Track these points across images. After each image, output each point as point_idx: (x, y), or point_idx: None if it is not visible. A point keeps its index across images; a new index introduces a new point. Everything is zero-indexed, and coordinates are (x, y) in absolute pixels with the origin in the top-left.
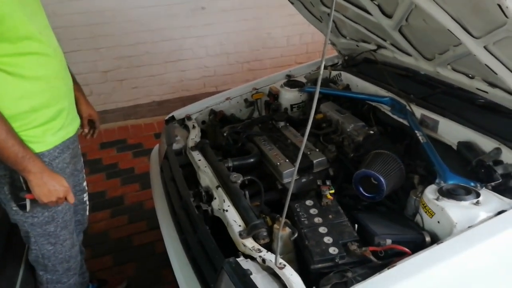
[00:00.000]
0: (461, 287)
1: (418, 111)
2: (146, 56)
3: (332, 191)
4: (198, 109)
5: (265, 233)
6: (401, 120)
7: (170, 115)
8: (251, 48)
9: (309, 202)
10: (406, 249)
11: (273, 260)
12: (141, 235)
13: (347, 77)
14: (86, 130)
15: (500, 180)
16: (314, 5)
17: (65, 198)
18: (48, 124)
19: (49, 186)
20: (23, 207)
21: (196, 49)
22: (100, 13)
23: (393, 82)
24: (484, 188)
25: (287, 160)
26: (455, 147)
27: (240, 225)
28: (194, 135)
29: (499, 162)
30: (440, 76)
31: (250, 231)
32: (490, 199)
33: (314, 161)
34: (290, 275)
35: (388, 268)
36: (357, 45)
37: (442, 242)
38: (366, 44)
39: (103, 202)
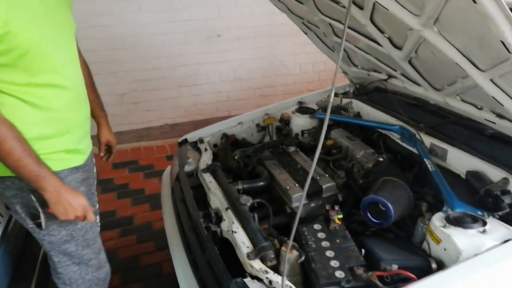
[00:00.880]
0: None
1: (428, 140)
2: (162, 80)
3: (340, 216)
4: (210, 132)
5: (272, 255)
6: (410, 148)
7: (184, 137)
8: (264, 74)
9: (317, 226)
10: (412, 275)
11: (280, 282)
12: (149, 255)
13: (358, 105)
14: (101, 154)
15: (508, 210)
16: (326, 36)
17: (85, 217)
18: (57, 153)
19: (65, 204)
20: (39, 225)
21: (211, 74)
22: (120, 39)
23: (403, 111)
24: (491, 217)
25: (297, 185)
26: (463, 176)
27: (248, 247)
28: (206, 158)
29: (507, 192)
30: (449, 106)
31: (257, 253)
32: (496, 228)
33: (324, 186)
34: None
35: None
36: (368, 74)
37: (447, 269)
38: (377, 74)
39: (112, 221)
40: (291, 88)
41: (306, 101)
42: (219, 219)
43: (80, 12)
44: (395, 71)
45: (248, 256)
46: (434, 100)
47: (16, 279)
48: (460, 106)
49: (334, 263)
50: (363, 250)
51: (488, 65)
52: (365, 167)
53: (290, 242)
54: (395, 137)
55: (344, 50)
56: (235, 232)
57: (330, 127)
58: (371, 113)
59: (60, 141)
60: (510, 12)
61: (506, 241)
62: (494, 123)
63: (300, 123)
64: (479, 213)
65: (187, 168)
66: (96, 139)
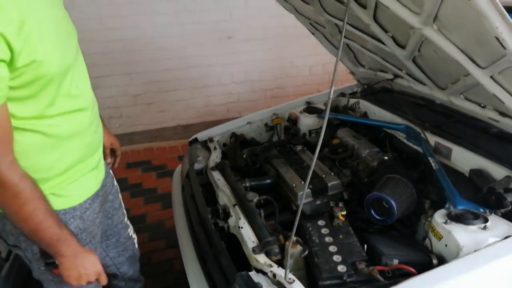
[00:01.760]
0: None
1: (433, 139)
2: (174, 81)
3: (344, 213)
4: (220, 132)
5: (277, 250)
6: (415, 147)
7: (194, 137)
8: (274, 76)
9: (321, 222)
10: (413, 270)
11: (283, 275)
12: (160, 252)
13: (365, 105)
14: (108, 160)
15: (510, 207)
16: (333, 36)
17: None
18: (81, 179)
19: (81, 270)
20: (51, 265)
21: (222, 76)
22: (134, 41)
23: (409, 110)
24: (493, 214)
25: (303, 182)
26: (467, 174)
27: (254, 242)
28: (215, 156)
29: (509, 190)
30: (454, 105)
31: (263, 247)
32: (498, 225)
33: (329, 184)
34: None
35: (392, 287)
36: (375, 74)
37: (447, 264)
38: (383, 74)
39: None
40: (301, 89)
41: (314, 101)
42: (227, 215)
43: (94, 15)
44: (401, 70)
45: (253, 250)
46: (439, 99)
47: None
48: (464, 105)
49: (336, 258)
50: (365, 246)
51: (487, 62)
52: (370, 166)
53: (292, 236)
54: (401, 136)
55: (351, 50)
56: (242, 227)
57: (337, 127)
58: (377, 113)
59: (86, 165)
60: (502, 8)
61: (507, 237)
62: (498, 121)
63: (308, 122)
64: (481, 210)
65: (197, 166)
66: None
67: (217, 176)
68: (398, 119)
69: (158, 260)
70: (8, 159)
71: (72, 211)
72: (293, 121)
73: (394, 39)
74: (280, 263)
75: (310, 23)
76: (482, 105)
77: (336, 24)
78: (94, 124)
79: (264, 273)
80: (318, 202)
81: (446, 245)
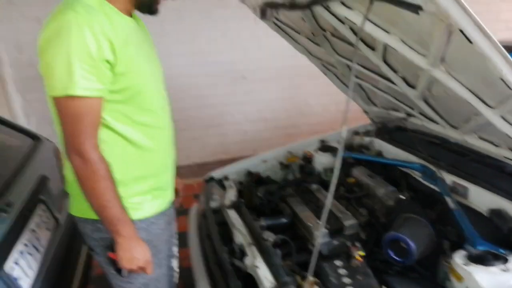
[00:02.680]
0: None
1: (449, 178)
2: (189, 120)
3: (362, 253)
4: (235, 170)
5: None
6: (432, 186)
7: (210, 175)
8: (288, 114)
9: (338, 263)
10: None
11: None
12: None
13: (380, 144)
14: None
15: None
16: (344, 76)
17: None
18: (149, 193)
19: (134, 253)
20: (119, 272)
21: (236, 114)
22: None
23: (423, 149)
24: None
25: (319, 222)
26: (485, 214)
27: (270, 282)
28: (231, 195)
29: None
30: (468, 144)
31: (280, 287)
32: None
33: (346, 224)
34: None
35: None
36: (388, 113)
37: None
38: (396, 113)
39: None
40: (315, 127)
41: (328, 139)
42: (243, 254)
43: None
44: (413, 109)
45: None
46: (453, 138)
47: None
48: (478, 144)
49: None
50: None
51: (496, 102)
52: (387, 205)
53: (309, 277)
54: (417, 175)
55: (363, 89)
56: (258, 267)
57: (352, 166)
58: (392, 152)
59: (155, 181)
60: (504, 50)
61: None
62: None
63: (323, 161)
64: (502, 251)
65: (213, 204)
66: None
67: (233, 214)
68: (413, 158)
69: None
70: (92, 141)
71: (138, 223)
72: (308, 159)
73: (404, 79)
74: None
75: (322, 64)
76: (496, 144)
77: (347, 65)
78: (171, 146)
79: None
80: (335, 242)
81: (467, 287)
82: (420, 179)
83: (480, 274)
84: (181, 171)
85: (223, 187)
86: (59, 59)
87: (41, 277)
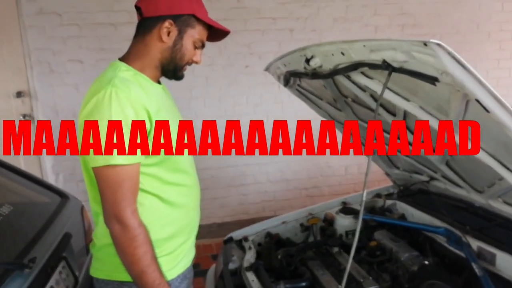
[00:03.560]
0: None
1: (475, 243)
2: (211, 180)
3: None
4: (255, 231)
5: None
6: (457, 251)
7: (229, 235)
8: (309, 175)
9: None
10: None
11: None
12: None
13: (402, 207)
14: None
15: None
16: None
17: None
18: (176, 252)
19: None
20: None
21: (258, 175)
22: None
23: (448, 213)
24: None
25: (340, 286)
26: None
27: None
28: (250, 256)
29: None
30: (493, 208)
31: None
32: None
33: None
34: None
35: None
36: (410, 176)
37: None
38: (419, 176)
39: None
40: (337, 189)
41: (350, 201)
42: None
43: None
44: (436, 173)
45: None
46: (478, 202)
47: None
48: (503, 208)
49: None
50: None
51: None
52: (410, 270)
53: None
54: (441, 239)
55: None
56: None
57: (374, 228)
58: (415, 215)
59: (183, 239)
60: None
61: None
62: None
63: (344, 223)
64: None
65: (231, 266)
66: None
67: (251, 277)
68: (437, 222)
69: None
70: (132, 207)
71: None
72: (329, 221)
73: None
74: None
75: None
76: None
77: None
78: (198, 204)
79: None
80: None
81: None
82: (445, 244)
83: None
84: (200, 231)
85: (242, 248)
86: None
87: None
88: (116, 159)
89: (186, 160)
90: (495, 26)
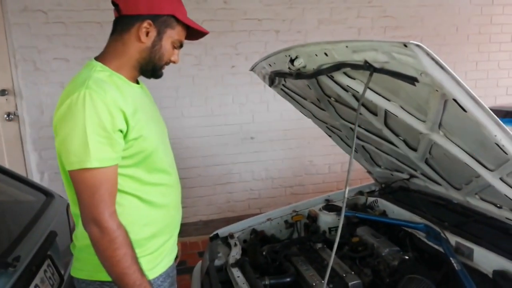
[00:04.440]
0: None
1: (453, 239)
2: (198, 178)
3: None
4: (241, 228)
5: None
6: (436, 246)
7: (215, 233)
8: (294, 174)
9: None
10: None
11: None
12: None
13: (384, 204)
14: None
15: None
16: (348, 138)
17: None
18: (157, 251)
19: None
20: None
21: (244, 173)
22: None
23: (427, 209)
24: None
25: (323, 281)
26: (490, 276)
27: None
28: (235, 253)
29: None
30: (470, 205)
31: None
32: None
33: (350, 284)
34: None
35: None
36: (391, 174)
37: None
38: (399, 173)
39: None
40: (321, 186)
41: (333, 198)
42: None
43: None
44: (416, 171)
45: None
46: (456, 199)
47: None
48: (480, 205)
49: None
50: None
51: (494, 165)
52: (391, 265)
53: None
54: (421, 235)
55: (367, 151)
56: None
57: (356, 225)
58: (396, 212)
59: (164, 238)
60: (497, 118)
61: None
62: None
63: (327, 220)
64: None
65: (217, 262)
66: None
67: (236, 273)
68: (416, 218)
69: None
70: (110, 210)
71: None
72: (312, 218)
73: (405, 142)
74: None
75: (327, 127)
76: (498, 205)
77: (350, 128)
78: (179, 203)
79: None
80: None
81: None
82: (424, 240)
83: None
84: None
85: (228, 245)
86: (74, 134)
87: None
88: (92, 162)
89: (165, 159)
90: (474, 28)
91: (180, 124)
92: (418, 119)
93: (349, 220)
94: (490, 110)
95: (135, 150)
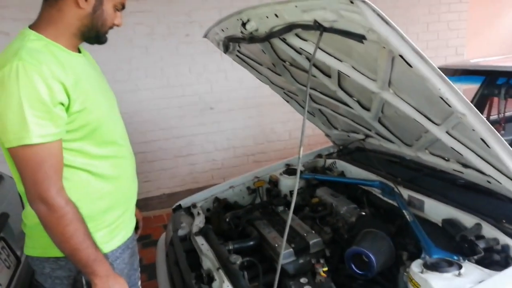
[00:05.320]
0: None
1: (406, 193)
2: (159, 152)
3: (325, 269)
4: (203, 197)
5: None
6: (390, 201)
7: (177, 203)
8: (256, 142)
9: (303, 280)
10: None
11: None
12: None
13: (342, 165)
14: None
15: (483, 254)
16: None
17: None
18: (114, 224)
19: None
20: None
21: (205, 144)
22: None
23: (382, 167)
24: (466, 261)
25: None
26: (440, 225)
27: None
28: (199, 222)
29: (481, 237)
30: (421, 160)
31: None
32: (472, 271)
33: (310, 242)
34: None
35: None
36: (348, 136)
37: None
38: (355, 134)
39: None
40: (282, 153)
41: (293, 163)
42: (211, 279)
43: None
44: (370, 131)
45: None
46: (408, 155)
47: None
48: (430, 159)
49: None
50: None
51: (440, 119)
52: (349, 222)
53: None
54: (377, 192)
55: (324, 114)
56: None
57: (316, 186)
58: (353, 172)
59: (120, 210)
60: (440, 71)
61: (480, 282)
62: (462, 172)
63: (288, 183)
64: (455, 258)
65: (181, 232)
66: None
67: (200, 241)
68: (372, 176)
69: None
70: (57, 186)
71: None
72: (274, 183)
73: (359, 102)
74: None
75: (284, 92)
76: (446, 158)
77: None
78: (133, 175)
79: None
80: (301, 260)
81: None
82: (380, 196)
83: (435, 280)
84: (151, 202)
85: (191, 215)
86: (9, 110)
87: None
88: (31, 138)
89: (114, 131)
90: None
91: (136, 97)
92: (370, 78)
93: (308, 182)
94: (434, 64)
95: (80, 123)
